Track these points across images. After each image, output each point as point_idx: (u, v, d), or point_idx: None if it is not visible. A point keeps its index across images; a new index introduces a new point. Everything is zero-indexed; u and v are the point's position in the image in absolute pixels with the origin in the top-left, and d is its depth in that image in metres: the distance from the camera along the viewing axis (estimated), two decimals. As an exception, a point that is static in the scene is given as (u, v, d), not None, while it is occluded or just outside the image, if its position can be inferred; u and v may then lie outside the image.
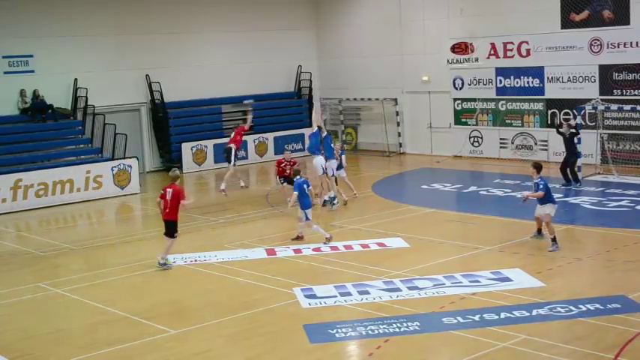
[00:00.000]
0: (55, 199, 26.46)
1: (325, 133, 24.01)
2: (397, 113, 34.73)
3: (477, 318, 13.00)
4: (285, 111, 36.81)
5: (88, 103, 30.97)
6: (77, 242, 20.89)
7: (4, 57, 29.93)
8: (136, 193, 28.10)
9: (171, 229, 17.32)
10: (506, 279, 15.20)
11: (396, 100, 34.58)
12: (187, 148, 32.90)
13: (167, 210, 17.13)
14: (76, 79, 31.17)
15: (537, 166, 17.66)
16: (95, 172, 27.71)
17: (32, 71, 30.56)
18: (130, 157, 28.90)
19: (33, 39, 30.25)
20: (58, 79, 30.81)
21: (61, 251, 19.93)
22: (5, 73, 30.03)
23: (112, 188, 27.85)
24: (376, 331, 12.58)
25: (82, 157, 29.37)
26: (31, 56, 30.52)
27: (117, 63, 32.31)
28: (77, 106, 31.33)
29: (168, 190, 17.18)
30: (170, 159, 33.07)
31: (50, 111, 30.43)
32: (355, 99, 36.23)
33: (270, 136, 35.19)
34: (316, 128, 23.63)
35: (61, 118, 30.86)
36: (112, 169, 28.03)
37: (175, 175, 17.57)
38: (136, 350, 12.45)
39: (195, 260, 17.95)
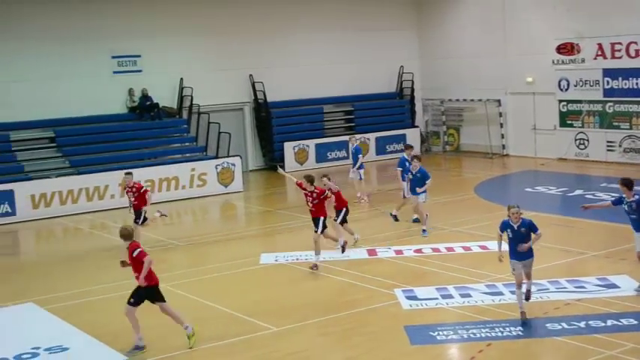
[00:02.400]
0: (161, 195, 27.08)
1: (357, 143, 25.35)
2: (500, 114, 34.23)
3: (582, 325, 12.71)
4: (386, 111, 36.74)
5: (193, 103, 31.60)
6: (182, 238, 21.35)
7: (113, 57, 30.81)
8: (239, 192, 28.51)
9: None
10: (613, 285, 14.81)
11: (499, 101, 34.08)
12: (289, 148, 33.19)
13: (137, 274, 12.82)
14: (181, 79, 31.83)
15: (627, 183, 14.25)
16: (200, 170, 28.27)
17: (140, 71, 31.36)
18: (233, 156, 29.35)
19: (141, 39, 31.05)
20: (165, 78, 31.51)
21: (167, 247, 20.41)
22: (114, 72, 30.91)
23: (215, 186, 28.35)
24: (478, 335, 12.44)
25: (187, 155, 29.99)
26: (139, 56, 31.34)
27: (221, 63, 32.85)
28: (183, 105, 32.00)
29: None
30: (272, 158, 33.43)
31: (157, 110, 31.17)
32: (458, 100, 35.89)
33: (371, 137, 35.16)
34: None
35: (167, 116, 31.59)
36: (216, 168, 28.54)
37: (129, 232, 13.01)
38: (237, 347, 12.63)
39: (297, 259, 18.10)
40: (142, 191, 19.99)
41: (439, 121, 36.96)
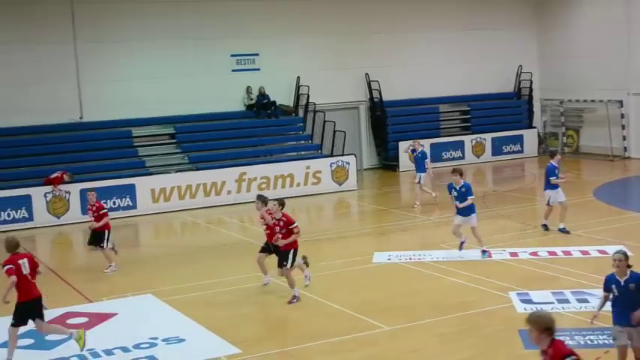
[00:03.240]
0: (276, 192, 27.39)
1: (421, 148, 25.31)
2: (622, 116, 33.20)
3: None
4: (503, 111, 36.19)
5: (309, 101, 31.87)
6: (295, 235, 21.54)
7: (232, 55, 31.40)
8: (353, 190, 28.61)
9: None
10: None
11: (621, 102, 33.05)
12: (404, 147, 33.05)
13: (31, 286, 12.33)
14: (298, 77, 32.15)
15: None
16: (314, 167, 28.51)
17: (258, 69, 31.86)
18: (348, 155, 29.45)
19: (259, 38, 31.53)
20: (282, 76, 31.91)
21: (281, 243, 20.62)
22: (233, 70, 31.50)
23: (330, 184, 28.54)
24: (595, 342, 12.12)
25: (303, 152, 30.30)
26: (257, 55, 31.83)
27: (338, 62, 33.03)
28: (299, 103, 32.33)
29: (20, 261, 12.21)
30: (387, 157, 33.41)
31: (273, 108, 31.59)
32: (578, 100, 35.00)
33: (487, 137, 34.69)
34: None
35: (283, 114, 31.97)
36: (331, 166, 28.72)
37: (17, 242, 12.55)
38: (349, 344, 12.67)
39: (410, 258, 18.03)
40: (101, 212, 18.30)
41: (558, 122, 36.11)
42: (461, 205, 17.52)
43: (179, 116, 30.22)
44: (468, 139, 34.24)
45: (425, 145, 33.04)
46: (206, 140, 29.96)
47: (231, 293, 15.82)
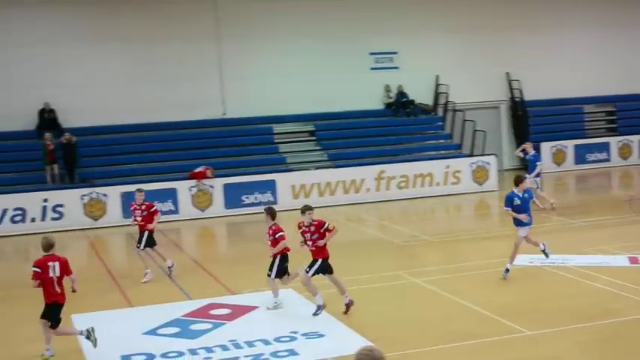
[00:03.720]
0: (415, 191, 27.37)
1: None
2: None
3: None
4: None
5: (449, 100, 31.61)
6: (435, 234, 21.46)
7: (371, 53, 31.51)
8: (494, 191, 28.19)
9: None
10: None
11: None
12: (547, 148, 32.33)
13: (59, 290, 12.32)
14: (437, 76, 31.97)
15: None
16: (454, 167, 28.26)
17: (396, 67, 31.87)
18: (488, 155, 29.04)
19: (398, 36, 31.54)
20: (421, 75, 31.80)
21: (420, 242, 20.59)
22: (372, 69, 31.63)
23: (469, 184, 28.23)
24: None
25: (442, 152, 30.11)
26: (395, 53, 31.82)
27: (478, 61, 32.66)
28: (438, 102, 32.13)
29: (50, 263, 12.19)
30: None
31: (412, 106, 31.50)
32: None
33: (635, 139, 33.43)
34: None
35: (422, 113, 31.84)
36: (471, 166, 28.40)
37: (51, 242, 12.44)
38: (489, 347, 12.49)
39: (552, 262, 17.59)
40: (152, 211, 17.88)
41: None
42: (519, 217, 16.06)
43: (319, 114, 30.58)
44: (615, 141, 33.14)
45: (568, 146, 32.38)
46: (345, 138, 30.21)
47: (370, 291, 15.87)
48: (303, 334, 13.06)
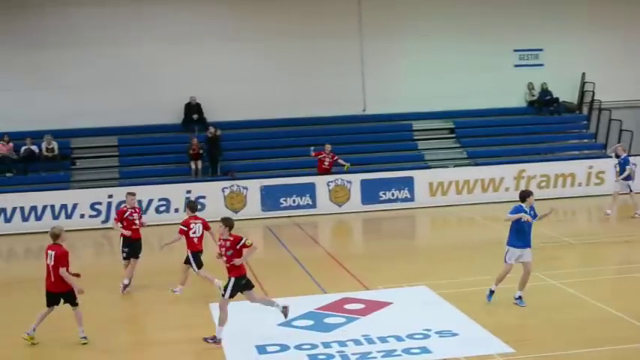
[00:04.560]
0: (556, 191, 26.73)
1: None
2: None
3: None
4: None
5: (595, 98, 30.65)
6: (577, 237, 20.89)
7: (515, 50, 30.93)
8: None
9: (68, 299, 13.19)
10: None
11: None
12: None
13: (52, 279, 13.01)
14: (583, 74, 31.06)
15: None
16: (598, 168, 27.40)
17: (541, 65, 31.16)
18: (635, 155, 27.97)
19: (543, 33, 30.81)
20: (566, 73, 31.02)
21: (561, 244, 20.07)
22: (515, 66, 31.07)
23: (614, 185, 27.22)
24: None
25: (585, 152, 29.26)
26: (540, 50, 31.11)
27: (626, 58, 31.49)
28: (583, 100, 31.21)
29: (49, 251, 13.01)
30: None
31: (556, 104, 30.73)
32: None
33: None
34: None
35: (565, 112, 31.02)
36: (615, 167, 27.36)
37: (55, 232, 13.16)
38: (633, 353, 12.06)
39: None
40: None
41: None
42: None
43: (459, 111, 30.30)
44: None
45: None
46: (486, 136, 29.82)
47: (506, 291, 15.59)
48: (437, 332, 12.98)
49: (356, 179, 26.46)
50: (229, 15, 29.90)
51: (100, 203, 25.63)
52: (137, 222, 16.70)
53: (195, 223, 16.07)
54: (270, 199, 26.15)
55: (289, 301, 14.57)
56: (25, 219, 25.30)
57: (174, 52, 29.34)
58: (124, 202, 24.73)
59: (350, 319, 13.87)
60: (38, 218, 25.32)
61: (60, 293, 12.97)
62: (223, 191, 26.15)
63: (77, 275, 13.01)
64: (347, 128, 29.79)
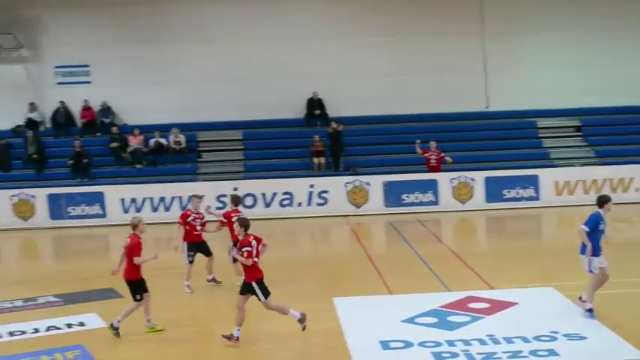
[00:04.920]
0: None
1: None
2: None
3: None
4: None
5: None
6: None
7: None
8: None
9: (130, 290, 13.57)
10: None
11: None
12: None
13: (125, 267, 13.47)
14: None
15: None
16: None
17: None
18: None
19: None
20: None
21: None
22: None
23: None
24: None
25: None
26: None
27: None
28: None
29: (127, 240, 13.44)
30: None
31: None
32: None
33: None
34: None
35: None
36: None
37: (133, 222, 13.55)
38: None
39: None
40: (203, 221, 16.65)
41: None
42: None
43: (586, 108, 29.49)
44: None
45: None
46: (614, 135, 28.93)
47: (632, 295, 15.12)
48: (565, 335, 12.69)
49: (480, 177, 26.16)
50: (352, 12, 30.03)
51: (225, 195, 26.17)
52: (198, 228, 16.47)
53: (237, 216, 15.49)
54: (393, 195, 26.15)
55: (413, 298, 14.57)
56: (154, 209, 26.15)
57: (298, 49, 29.69)
58: (249, 194, 25.69)
59: (474, 318, 13.72)
60: (167, 209, 26.12)
61: (130, 281, 13.34)
62: (346, 186, 26.31)
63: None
64: (469, 125, 29.49)
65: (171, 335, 13.31)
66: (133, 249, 13.17)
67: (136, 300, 13.36)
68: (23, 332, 13.60)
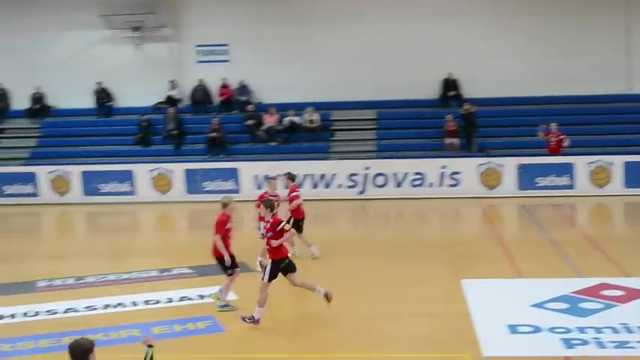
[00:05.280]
0: None
1: None
2: None
3: None
4: None
5: None
6: None
7: None
8: None
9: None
10: None
11: None
12: None
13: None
14: None
15: None
16: None
17: None
18: None
19: None
20: None
21: None
22: None
23: None
24: None
25: None
26: None
27: None
28: None
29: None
30: None
31: None
32: None
33: None
34: None
35: None
36: None
37: (223, 201, 13.78)
38: None
39: None
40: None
41: None
42: None
43: None
44: None
45: None
46: None
47: None
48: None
49: (619, 162, 25.26)
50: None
51: (356, 174, 26.36)
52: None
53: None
54: (527, 178, 25.62)
55: (543, 283, 14.32)
56: (286, 186, 26.46)
57: (434, 28, 29.34)
58: (380, 174, 25.81)
59: (608, 306, 13.32)
60: (299, 186, 26.38)
61: (218, 258, 13.54)
62: (479, 168, 25.96)
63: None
64: (607, 108, 28.49)
65: (291, 312, 13.55)
66: (217, 226, 13.42)
67: (228, 275, 13.62)
68: (157, 301, 14.12)
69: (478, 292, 14.32)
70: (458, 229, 23.14)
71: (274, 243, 12.73)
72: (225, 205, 13.65)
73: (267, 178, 17.53)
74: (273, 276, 12.77)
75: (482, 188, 25.86)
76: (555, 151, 25.90)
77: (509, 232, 22.06)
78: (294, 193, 17.33)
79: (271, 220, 12.88)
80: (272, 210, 12.99)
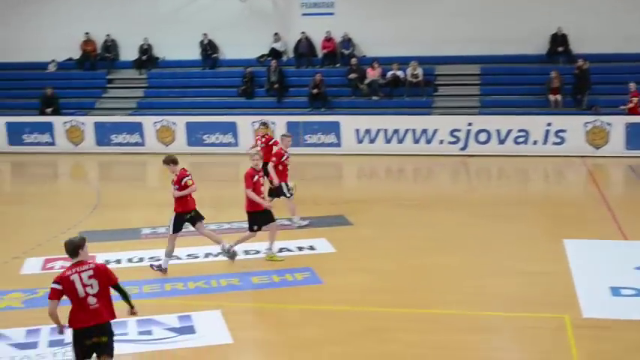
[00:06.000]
0: None
1: None
2: None
3: None
4: None
5: None
6: None
7: None
8: None
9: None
10: None
11: None
12: None
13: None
14: None
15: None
16: None
17: None
18: None
19: None
20: None
21: None
22: None
23: None
24: None
25: None
26: None
27: None
28: None
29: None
30: None
31: None
32: None
33: None
34: None
35: None
36: None
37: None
38: None
39: None
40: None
41: None
42: None
43: None
44: None
45: None
46: None
47: None
48: None
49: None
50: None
51: (459, 130, 26.06)
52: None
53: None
54: (636, 137, 24.85)
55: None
56: (387, 141, 26.50)
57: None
58: (483, 130, 25.50)
59: None
60: (400, 141, 26.40)
61: (248, 212, 13.67)
62: (585, 126, 25.30)
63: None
64: None
65: (392, 267, 13.57)
66: (245, 179, 13.54)
67: (251, 230, 13.77)
68: (257, 252, 14.34)
69: (581, 252, 14.02)
70: (561, 188, 22.69)
71: (177, 194, 13.01)
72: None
73: (282, 135, 17.23)
74: (177, 228, 13.18)
75: (589, 147, 25.22)
76: (634, 111, 25.11)
77: (615, 192, 21.47)
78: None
79: (178, 174, 13.11)
80: (175, 164, 13.15)
